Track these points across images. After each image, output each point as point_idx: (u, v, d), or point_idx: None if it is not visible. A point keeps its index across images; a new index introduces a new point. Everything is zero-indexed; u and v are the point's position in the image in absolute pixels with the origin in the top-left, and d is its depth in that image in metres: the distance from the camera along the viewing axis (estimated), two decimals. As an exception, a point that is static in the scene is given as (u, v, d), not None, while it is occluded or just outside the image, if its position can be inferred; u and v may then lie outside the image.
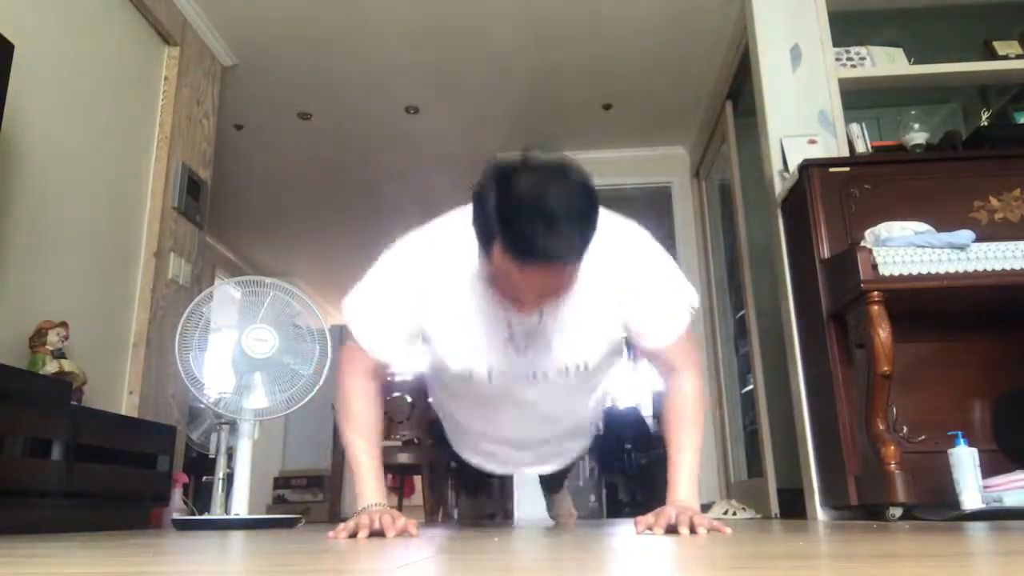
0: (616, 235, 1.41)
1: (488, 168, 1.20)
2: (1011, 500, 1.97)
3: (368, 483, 1.48)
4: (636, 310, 1.49)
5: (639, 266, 1.47)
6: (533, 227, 1.13)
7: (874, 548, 0.94)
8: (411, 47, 3.72)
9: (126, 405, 2.86)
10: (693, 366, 1.58)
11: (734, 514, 3.07)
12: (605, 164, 4.82)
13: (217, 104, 3.63)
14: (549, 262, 1.17)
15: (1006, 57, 2.97)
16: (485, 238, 1.20)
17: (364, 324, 1.50)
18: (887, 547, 0.97)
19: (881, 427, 2.15)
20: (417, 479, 5.25)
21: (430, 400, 2.00)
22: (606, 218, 1.28)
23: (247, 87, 3.97)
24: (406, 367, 3.66)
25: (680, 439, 1.53)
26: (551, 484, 2.80)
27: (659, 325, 1.52)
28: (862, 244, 2.26)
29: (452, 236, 1.41)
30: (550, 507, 2.86)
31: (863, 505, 2.25)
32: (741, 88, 3.70)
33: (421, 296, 1.44)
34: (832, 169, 2.54)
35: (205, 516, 2.55)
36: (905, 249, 2.16)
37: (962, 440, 2.05)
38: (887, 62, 3.00)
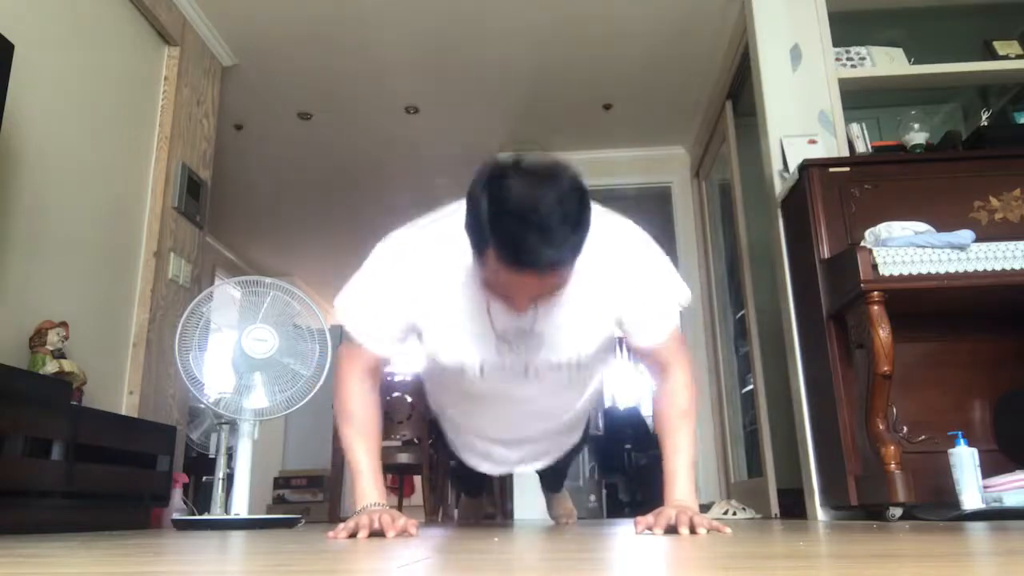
0: (610, 232, 1.41)
1: (480, 171, 1.20)
2: (1011, 500, 1.97)
3: (367, 483, 1.48)
4: (629, 306, 1.49)
5: (632, 262, 1.47)
6: (525, 235, 1.13)
7: (874, 548, 0.94)
8: (411, 47, 3.72)
9: (126, 405, 2.86)
10: (684, 364, 1.58)
11: (734, 514, 3.07)
12: (605, 164, 4.82)
13: (217, 104, 3.63)
14: (542, 269, 1.18)
15: (1006, 57, 2.97)
16: (478, 243, 1.21)
17: (358, 319, 1.50)
18: (887, 547, 0.97)
19: (881, 427, 2.15)
20: (417, 479, 5.25)
21: (428, 400, 2.00)
22: (600, 215, 1.29)
23: (247, 87, 3.97)
24: (404, 364, 3.66)
25: (674, 438, 1.54)
26: (551, 484, 2.80)
27: (651, 322, 1.52)
28: (862, 244, 2.27)
29: (444, 232, 1.41)
30: (550, 507, 2.86)
31: (863, 505, 2.25)
32: (741, 88, 3.70)
33: (413, 290, 1.44)
34: (832, 169, 2.54)
35: (205, 516, 2.55)
36: (905, 249, 2.16)
37: (962, 440, 2.05)
38: (887, 62, 3.00)
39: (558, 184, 1.16)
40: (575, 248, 1.19)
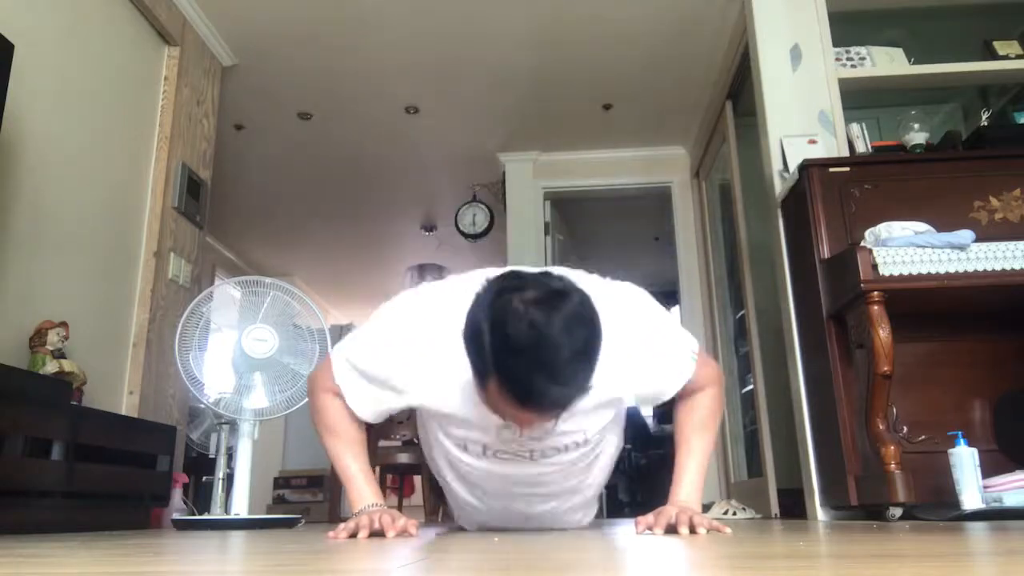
0: (607, 313, 1.20)
1: (483, 295, 1.13)
2: (1011, 500, 1.97)
3: (361, 486, 1.47)
4: (638, 381, 1.46)
5: (635, 339, 1.39)
6: (531, 376, 1.07)
7: (874, 548, 0.94)
8: (411, 47, 3.72)
9: (126, 405, 2.86)
10: (713, 380, 1.57)
11: (734, 514, 3.07)
12: (605, 164, 4.83)
13: (217, 104, 3.63)
14: (548, 409, 1.14)
15: (1006, 57, 2.97)
16: (480, 371, 1.14)
17: (352, 386, 1.44)
18: (887, 547, 0.97)
19: (881, 427, 2.15)
20: (417, 479, 5.25)
21: (427, 463, 1.90)
22: (596, 290, 1.22)
23: (247, 87, 3.97)
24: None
25: (690, 442, 1.53)
26: None
27: (666, 383, 1.51)
28: (862, 244, 2.27)
29: (455, 308, 1.24)
30: None
31: (863, 505, 2.25)
32: (741, 88, 3.70)
33: (415, 367, 1.37)
34: (832, 169, 2.54)
35: (205, 516, 2.55)
36: (905, 249, 2.16)
37: (962, 440, 2.04)
38: (887, 62, 3.00)
39: (564, 312, 1.08)
40: (584, 384, 1.13)
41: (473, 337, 1.12)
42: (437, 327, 1.35)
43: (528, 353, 1.06)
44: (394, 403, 1.44)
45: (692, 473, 1.50)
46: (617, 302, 1.38)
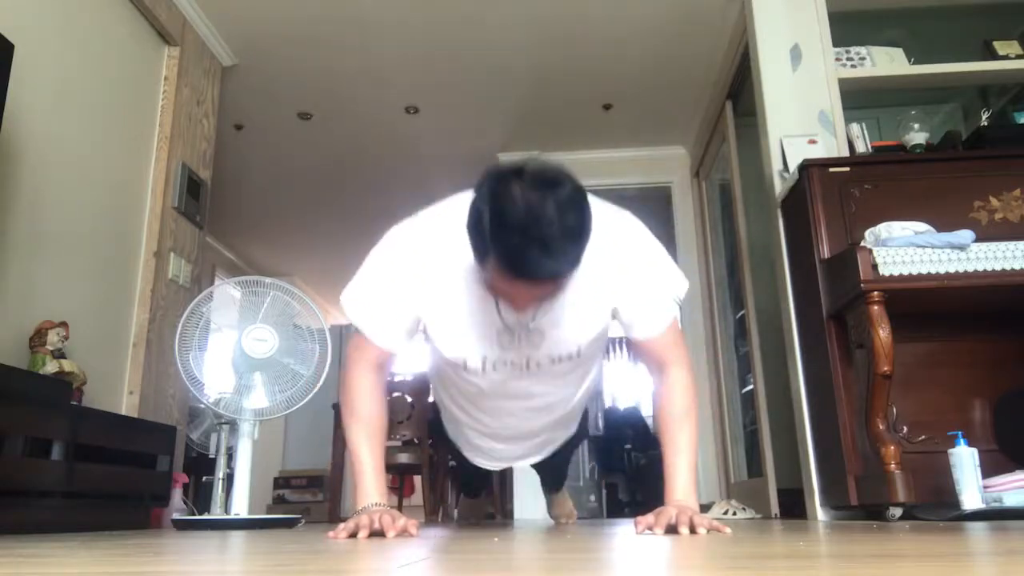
0: (608, 224, 1.40)
1: (483, 179, 1.21)
2: (1011, 500, 1.97)
3: (370, 483, 1.48)
4: (626, 297, 1.50)
5: (630, 253, 1.48)
6: (526, 248, 1.15)
7: (874, 548, 0.94)
8: (411, 47, 3.72)
9: (126, 405, 2.86)
10: (684, 362, 1.57)
11: (734, 514, 3.07)
12: (605, 164, 4.83)
13: (217, 104, 3.64)
14: (542, 280, 1.21)
15: (1006, 57, 2.97)
16: (480, 250, 1.22)
17: (365, 312, 1.50)
18: (887, 547, 0.97)
19: (881, 427, 2.15)
20: (417, 479, 5.25)
21: (431, 399, 2.03)
22: (599, 207, 1.31)
23: (247, 87, 3.97)
24: (405, 364, 3.66)
25: (675, 438, 1.53)
26: (551, 484, 2.80)
27: (648, 313, 1.52)
28: (862, 244, 2.27)
29: (448, 225, 1.38)
30: (550, 507, 2.86)
31: (863, 505, 2.25)
32: (741, 88, 3.70)
33: (419, 283, 1.45)
34: (832, 169, 2.54)
35: (205, 516, 2.55)
36: (905, 249, 2.16)
37: (962, 440, 2.04)
38: (887, 62, 3.00)
39: (558, 194, 1.16)
40: (575, 259, 1.21)
41: (475, 222, 1.20)
42: (431, 238, 1.44)
43: (523, 229, 1.14)
44: (408, 317, 1.49)
45: (683, 471, 1.51)
46: (625, 223, 1.50)
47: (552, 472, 2.71)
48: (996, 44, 3.00)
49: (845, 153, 2.83)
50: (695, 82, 4.05)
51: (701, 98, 4.19)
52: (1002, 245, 2.14)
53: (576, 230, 1.18)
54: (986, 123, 2.96)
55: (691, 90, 4.13)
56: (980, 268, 2.11)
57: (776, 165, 2.90)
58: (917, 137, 2.71)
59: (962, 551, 0.88)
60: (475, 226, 1.20)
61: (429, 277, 1.44)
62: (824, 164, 2.58)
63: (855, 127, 2.85)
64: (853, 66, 3.01)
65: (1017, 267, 2.11)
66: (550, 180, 1.18)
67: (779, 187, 2.85)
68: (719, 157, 4.21)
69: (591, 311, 1.51)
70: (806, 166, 2.56)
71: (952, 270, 2.13)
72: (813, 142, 2.85)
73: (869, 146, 2.82)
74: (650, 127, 4.56)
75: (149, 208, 3.11)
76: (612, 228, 1.44)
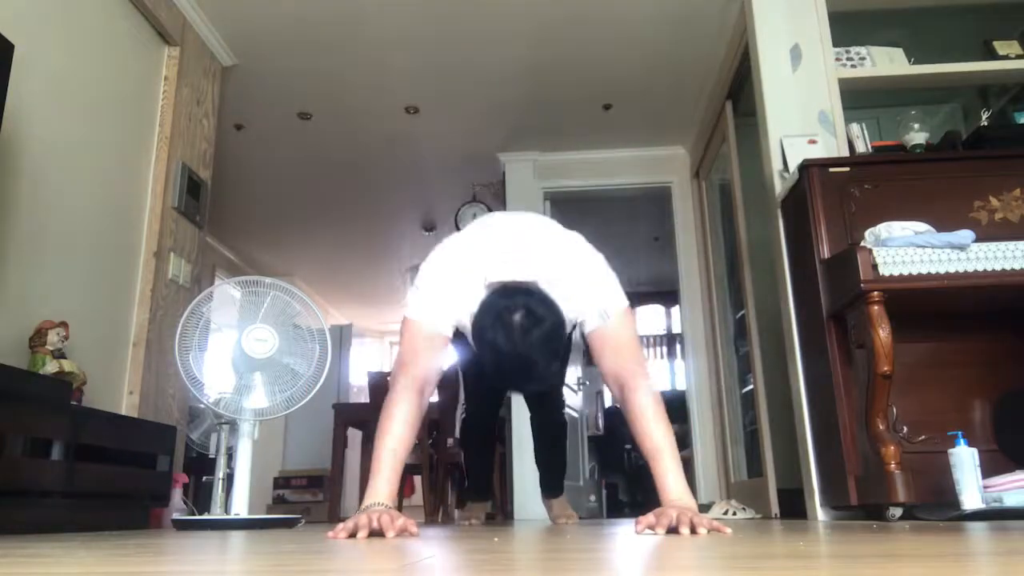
0: (574, 242, 1.84)
1: (487, 306, 1.58)
2: (1011, 500, 1.97)
3: (380, 483, 1.52)
4: (588, 293, 1.73)
5: (589, 262, 1.79)
6: (514, 376, 1.58)
7: (874, 548, 0.94)
8: (411, 47, 3.72)
9: (126, 405, 2.86)
10: (644, 376, 1.71)
11: (734, 514, 3.07)
12: (605, 164, 4.83)
13: (217, 104, 3.63)
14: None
15: (1006, 57, 2.97)
16: (482, 354, 1.57)
17: (421, 306, 1.75)
18: (887, 547, 0.97)
19: (881, 427, 2.15)
20: (417, 479, 5.25)
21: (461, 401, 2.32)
22: (565, 235, 1.85)
23: (247, 87, 3.97)
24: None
25: (656, 442, 1.60)
26: (550, 486, 2.81)
27: (600, 299, 1.73)
28: (862, 244, 2.26)
29: (463, 243, 1.84)
30: (550, 512, 2.87)
31: (863, 505, 2.25)
32: (741, 88, 3.70)
33: (459, 281, 1.74)
34: (832, 169, 2.54)
35: (205, 516, 2.55)
36: (905, 249, 2.16)
37: (962, 440, 2.04)
38: (887, 62, 3.00)
39: (542, 331, 1.53)
40: (547, 377, 1.61)
41: (480, 335, 1.56)
42: (456, 257, 1.80)
43: (514, 362, 1.53)
44: (452, 306, 1.74)
45: (673, 470, 1.57)
46: (579, 242, 1.85)
47: (548, 473, 2.77)
48: (996, 44, 3.00)
49: (845, 153, 2.83)
50: (695, 82, 4.05)
51: (701, 98, 4.19)
52: (1002, 245, 2.14)
53: (551, 356, 1.55)
54: (986, 123, 2.96)
55: (691, 90, 4.13)
56: (980, 268, 2.11)
57: (776, 165, 2.90)
58: (917, 137, 2.70)
59: (962, 551, 0.88)
60: (480, 339, 1.56)
61: (456, 275, 1.74)
62: (824, 164, 2.58)
63: (855, 127, 2.84)
64: (853, 66, 3.01)
65: (1017, 267, 2.11)
66: (536, 319, 1.53)
67: (779, 187, 2.85)
68: (719, 157, 4.21)
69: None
70: (806, 166, 2.56)
71: (952, 270, 2.12)
72: (813, 142, 2.85)
73: (869, 146, 2.82)
74: (650, 127, 4.56)
75: (149, 208, 3.11)
76: (575, 245, 1.83)
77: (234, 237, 6.25)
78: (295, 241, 6.39)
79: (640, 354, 1.78)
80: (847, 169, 2.56)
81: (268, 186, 5.33)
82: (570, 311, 1.70)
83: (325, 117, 4.37)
